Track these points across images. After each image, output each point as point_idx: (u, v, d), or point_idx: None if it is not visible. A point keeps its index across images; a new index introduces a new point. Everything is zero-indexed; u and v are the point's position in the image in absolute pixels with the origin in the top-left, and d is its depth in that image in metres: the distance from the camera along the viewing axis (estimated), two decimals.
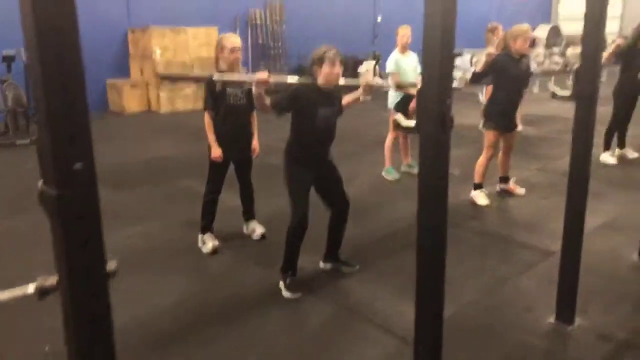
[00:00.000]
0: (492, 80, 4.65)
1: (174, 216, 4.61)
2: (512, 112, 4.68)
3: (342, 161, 3.84)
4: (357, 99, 3.31)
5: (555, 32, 19.08)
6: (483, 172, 4.80)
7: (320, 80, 3.15)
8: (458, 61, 13.38)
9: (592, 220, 4.35)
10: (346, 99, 3.36)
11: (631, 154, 6.31)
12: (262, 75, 2.98)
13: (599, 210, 4.63)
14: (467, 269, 3.57)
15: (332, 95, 3.24)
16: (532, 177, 5.50)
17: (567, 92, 11.37)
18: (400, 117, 2.98)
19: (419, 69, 5.65)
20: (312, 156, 3.30)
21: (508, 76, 4.50)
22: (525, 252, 3.83)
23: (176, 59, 9.95)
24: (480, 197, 4.81)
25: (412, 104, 5.49)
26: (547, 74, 13.92)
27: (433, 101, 1.82)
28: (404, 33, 5.54)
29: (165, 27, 10.04)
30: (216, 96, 3.72)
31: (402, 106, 5.54)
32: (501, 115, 4.64)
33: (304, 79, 3.21)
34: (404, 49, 5.56)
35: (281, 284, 3.31)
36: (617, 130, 6.18)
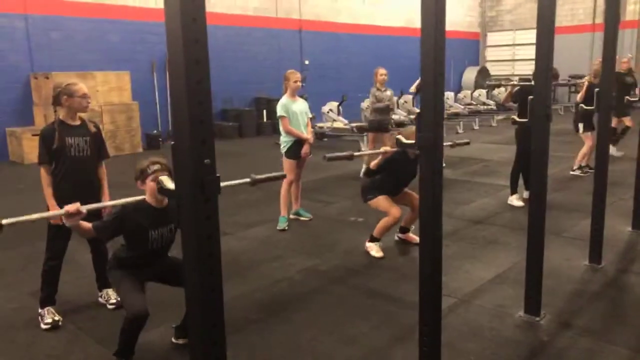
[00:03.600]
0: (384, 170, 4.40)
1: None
2: (395, 189, 4.57)
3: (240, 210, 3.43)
4: None
5: (484, 74, 19.75)
6: (384, 232, 4.53)
7: (148, 197, 2.76)
8: None
9: (485, 272, 4.12)
10: None
11: None
12: (71, 207, 2.45)
13: (494, 260, 4.39)
14: (339, 338, 3.18)
15: (166, 211, 2.81)
16: None
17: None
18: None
19: (309, 114, 5.41)
20: (145, 264, 2.91)
21: (400, 172, 4.46)
22: (409, 314, 3.44)
23: None
24: (373, 249, 4.50)
25: (305, 149, 5.24)
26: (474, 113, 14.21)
27: (187, 162, 1.45)
28: (297, 79, 5.30)
29: (71, 72, 9.53)
30: (54, 150, 3.29)
31: (293, 151, 5.26)
32: (383, 190, 4.50)
33: (130, 200, 2.70)
34: (293, 95, 5.32)
35: None
36: (522, 172, 6.05)
